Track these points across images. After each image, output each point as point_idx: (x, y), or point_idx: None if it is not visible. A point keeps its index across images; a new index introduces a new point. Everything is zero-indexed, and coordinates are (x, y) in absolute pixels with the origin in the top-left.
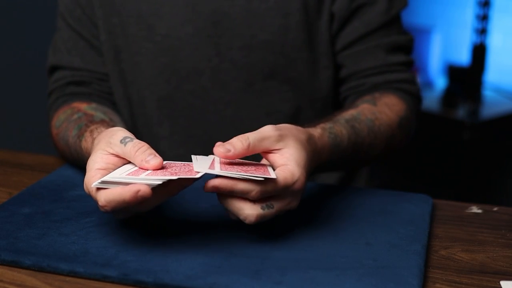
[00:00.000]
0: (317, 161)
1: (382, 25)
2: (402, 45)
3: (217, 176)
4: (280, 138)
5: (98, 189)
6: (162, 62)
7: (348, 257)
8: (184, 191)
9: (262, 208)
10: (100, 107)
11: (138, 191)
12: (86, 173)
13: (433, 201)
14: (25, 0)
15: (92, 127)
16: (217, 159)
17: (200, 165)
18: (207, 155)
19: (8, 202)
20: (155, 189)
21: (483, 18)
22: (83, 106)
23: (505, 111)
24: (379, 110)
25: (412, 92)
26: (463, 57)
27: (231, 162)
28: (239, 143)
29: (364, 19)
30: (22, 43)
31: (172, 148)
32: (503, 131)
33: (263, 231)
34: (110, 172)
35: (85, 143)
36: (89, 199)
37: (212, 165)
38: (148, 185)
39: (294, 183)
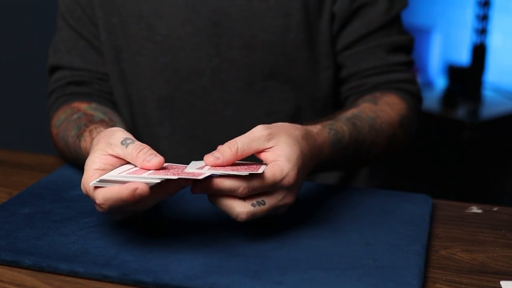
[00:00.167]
0: (317, 157)
1: (383, 25)
2: (403, 45)
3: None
4: (271, 136)
5: (96, 188)
6: (162, 62)
7: (348, 257)
8: (184, 191)
9: (253, 205)
10: (100, 107)
11: (136, 189)
12: (84, 173)
13: (433, 201)
14: (25, 0)
15: (92, 127)
16: None
17: (192, 167)
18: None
19: (8, 202)
20: (153, 188)
21: (483, 18)
22: (83, 106)
23: (505, 111)
24: (380, 108)
25: (412, 92)
26: (463, 57)
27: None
28: (227, 149)
29: (364, 19)
30: (22, 43)
31: (172, 148)
32: (503, 131)
33: (263, 231)
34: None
35: (84, 143)
36: (89, 199)
37: (203, 167)
38: (146, 183)
39: (283, 178)
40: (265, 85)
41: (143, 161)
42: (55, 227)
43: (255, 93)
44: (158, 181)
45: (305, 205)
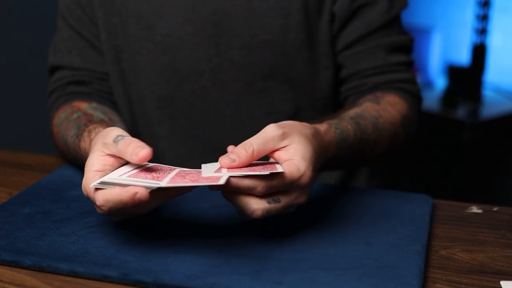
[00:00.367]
0: (324, 156)
1: (383, 25)
2: (403, 45)
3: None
4: (284, 136)
5: (96, 189)
6: (162, 62)
7: (348, 257)
8: None
9: (269, 202)
10: (100, 107)
11: (136, 193)
12: (84, 175)
13: (433, 201)
14: (25, 0)
15: (91, 127)
16: None
17: (207, 171)
18: (206, 155)
19: (8, 202)
20: (153, 192)
21: (483, 18)
22: (83, 105)
23: (505, 111)
24: (382, 108)
25: (412, 92)
26: (463, 57)
27: None
28: (243, 151)
29: (364, 19)
30: (22, 43)
31: (172, 148)
32: (503, 131)
33: (263, 231)
34: (108, 173)
35: (83, 143)
36: (90, 200)
37: (219, 169)
38: (146, 188)
39: (300, 177)
40: (265, 85)
41: (131, 155)
42: (55, 227)
43: (255, 93)
44: (158, 186)
45: (305, 205)
